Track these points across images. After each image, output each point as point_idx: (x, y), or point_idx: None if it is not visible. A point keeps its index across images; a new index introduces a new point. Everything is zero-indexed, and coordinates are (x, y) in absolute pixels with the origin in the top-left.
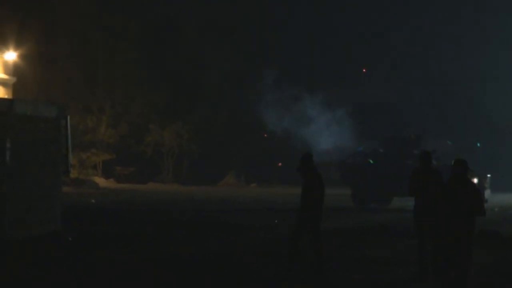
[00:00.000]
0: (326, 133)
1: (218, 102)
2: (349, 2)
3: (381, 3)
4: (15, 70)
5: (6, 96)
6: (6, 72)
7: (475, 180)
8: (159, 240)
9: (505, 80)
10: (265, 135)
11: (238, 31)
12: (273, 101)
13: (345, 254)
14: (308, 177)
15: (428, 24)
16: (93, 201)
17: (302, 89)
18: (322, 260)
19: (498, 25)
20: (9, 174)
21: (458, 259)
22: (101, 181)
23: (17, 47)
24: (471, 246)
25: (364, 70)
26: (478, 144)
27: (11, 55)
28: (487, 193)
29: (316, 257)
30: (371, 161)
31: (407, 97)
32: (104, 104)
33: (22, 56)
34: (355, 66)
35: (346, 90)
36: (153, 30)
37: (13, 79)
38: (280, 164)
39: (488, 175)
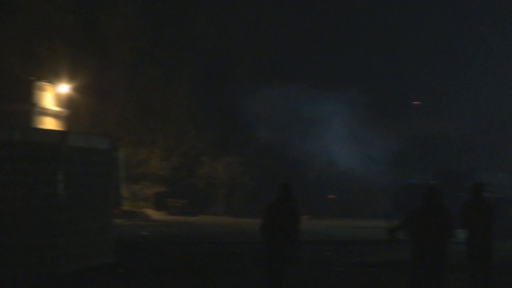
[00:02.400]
0: (377, 166)
1: (271, 135)
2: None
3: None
4: (68, 103)
5: (59, 129)
6: (59, 105)
7: None
8: (212, 272)
9: None
10: (319, 168)
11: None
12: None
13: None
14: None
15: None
16: (144, 233)
17: (353, 120)
18: None
19: None
20: (61, 206)
21: None
22: (153, 213)
23: (70, 79)
24: None
25: (414, 103)
26: None
27: (64, 88)
28: None
29: None
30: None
31: (458, 129)
32: (157, 137)
33: (75, 89)
34: (406, 97)
35: (398, 122)
36: (206, 63)
37: (66, 112)
38: (332, 196)
39: None
